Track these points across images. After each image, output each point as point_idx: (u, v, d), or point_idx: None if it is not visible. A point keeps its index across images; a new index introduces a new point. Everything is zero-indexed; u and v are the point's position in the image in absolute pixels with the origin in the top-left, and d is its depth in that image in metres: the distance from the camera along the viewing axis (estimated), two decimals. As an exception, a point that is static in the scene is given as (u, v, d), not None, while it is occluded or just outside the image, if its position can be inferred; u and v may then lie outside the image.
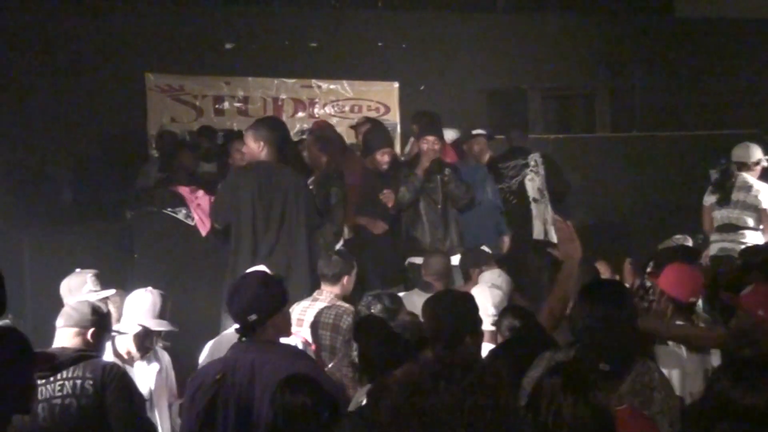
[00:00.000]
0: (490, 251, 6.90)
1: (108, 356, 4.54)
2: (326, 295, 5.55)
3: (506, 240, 7.73)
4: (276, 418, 3.30)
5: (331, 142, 7.35)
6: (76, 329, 3.97)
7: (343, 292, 5.63)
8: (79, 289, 5.01)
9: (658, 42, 11.36)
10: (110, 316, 4.21)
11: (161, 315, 4.67)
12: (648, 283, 5.58)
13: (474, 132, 8.12)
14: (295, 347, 4.22)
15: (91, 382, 3.79)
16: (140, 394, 4.08)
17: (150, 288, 4.79)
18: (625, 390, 3.61)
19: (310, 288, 5.83)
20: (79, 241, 7.27)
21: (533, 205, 8.11)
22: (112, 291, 5.08)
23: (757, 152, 7.58)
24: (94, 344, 4.01)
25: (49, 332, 4.94)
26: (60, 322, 4.02)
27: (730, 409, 2.81)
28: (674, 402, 3.77)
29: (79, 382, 3.79)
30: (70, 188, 8.18)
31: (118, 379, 3.86)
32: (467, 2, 11.05)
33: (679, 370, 4.40)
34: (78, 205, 8.20)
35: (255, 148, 6.29)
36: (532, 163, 8.16)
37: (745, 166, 7.53)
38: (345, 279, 5.63)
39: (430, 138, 7.36)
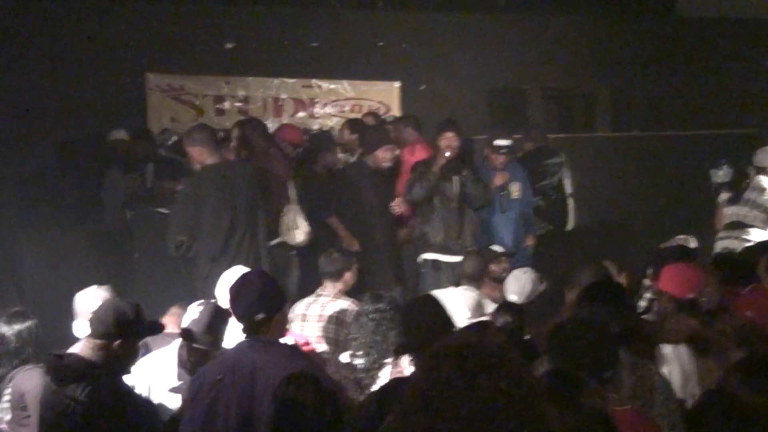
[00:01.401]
0: (502, 249, 6.91)
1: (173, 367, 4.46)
2: (330, 290, 5.65)
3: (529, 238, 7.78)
4: (279, 415, 3.31)
5: (255, 138, 7.30)
6: (99, 342, 3.89)
7: (345, 288, 5.75)
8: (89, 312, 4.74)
9: (658, 42, 11.35)
10: (139, 322, 4.05)
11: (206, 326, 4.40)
12: (647, 282, 5.60)
13: (496, 143, 7.70)
14: (295, 346, 4.24)
15: (81, 406, 3.71)
16: (142, 410, 3.96)
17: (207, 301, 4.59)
18: (626, 393, 3.62)
19: None
20: (79, 241, 7.29)
21: (570, 200, 8.47)
22: None
23: None
24: (121, 354, 3.93)
25: (49, 333, 4.96)
26: (87, 330, 3.96)
27: (738, 409, 2.82)
28: (675, 404, 3.78)
29: (72, 404, 3.72)
30: (70, 188, 8.18)
31: (116, 403, 3.79)
32: (468, 2, 11.04)
33: (681, 371, 4.40)
34: (78, 205, 8.20)
35: (195, 153, 6.31)
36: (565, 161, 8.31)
37: (764, 171, 7.53)
38: (347, 275, 5.74)
39: (449, 134, 7.32)
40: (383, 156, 7.23)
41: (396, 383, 3.68)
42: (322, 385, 3.36)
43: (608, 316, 3.72)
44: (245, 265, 5.58)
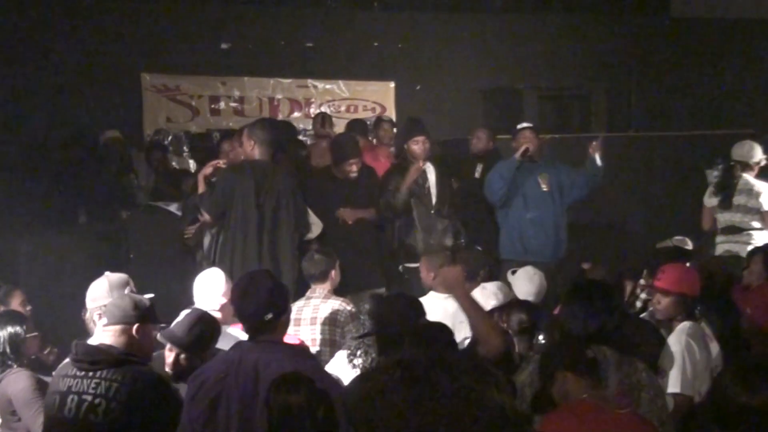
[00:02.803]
0: (481, 250, 6.90)
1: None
2: (319, 292, 5.64)
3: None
4: (270, 418, 3.30)
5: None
6: (120, 326, 3.90)
7: (333, 287, 5.74)
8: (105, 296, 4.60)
9: (654, 42, 11.37)
10: (154, 311, 4.09)
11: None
12: (643, 282, 5.59)
13: (519, 126, 7.56)
14: (298, 347, 4.23)
15: (127, 389, 3.73)
16: (181, 403, 3.91)
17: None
18: (611, 390, 3.63)
19: (295, 291, 5.86)
20: (75, 242, 7.27)
21: None
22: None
23: (758, 151, 7.55)
24: (139, 340, 3.95)
25: (46, 332, 4.95)
26: (104, 320, 3.96)
27: (730, 409, 2.82)
28: (663, 401, 3.79)
29: (115, 385, 3.74)
30: (66, 188, 8.17)
31: (159, 391, 3.82)
32: (463, 2, 11.05)
33: (692, 368, 4.41)
34: (74, 204, 8.19)
35: (247, 146, 6.35)
36: None
37: (748, 167, 7.51)
38: (332, 273, 5.73)
39: (420, 138, 7.30)
40: (350, 168, 7.18)
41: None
42: (315, 386, 3.34)
43: (587, 315, 3.76)
44: (263, 266, 5.58)
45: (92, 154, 8.54)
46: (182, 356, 4.13)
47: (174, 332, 4.15)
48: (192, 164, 9.48)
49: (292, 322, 5.44)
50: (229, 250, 6.14)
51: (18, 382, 4.50)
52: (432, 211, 7.25)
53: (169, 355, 4.17)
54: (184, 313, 4.30)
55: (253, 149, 6.29)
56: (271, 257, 6.13)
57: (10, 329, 4.70)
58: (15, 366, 4.62)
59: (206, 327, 4.21)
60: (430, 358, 1.93)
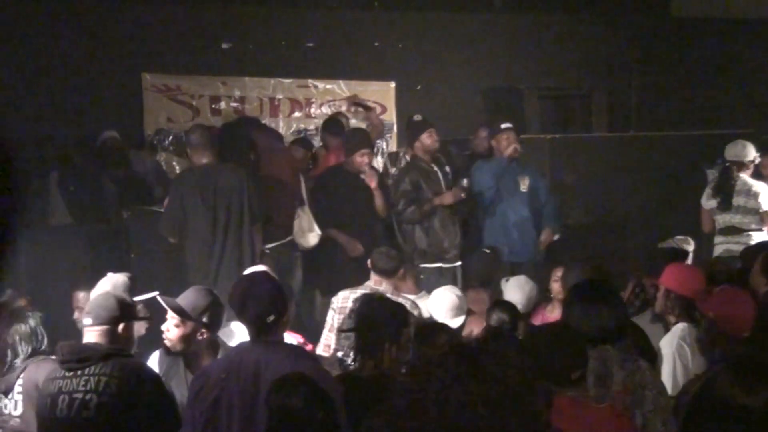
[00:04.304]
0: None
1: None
2: (386, 287, 5.64)
3: (547, 233, 7.59)
4: (271, 419, 3.30)
5: (260, 139, 7.32)
6: (106, 327, 3.94)
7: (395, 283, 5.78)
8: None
9: (654, 42, 11.36)
10: (135, 307, 4.17)
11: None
12: (644, 281, 5.60)
13: (503, 126, 7.71)
14: (299, 347, 4.24)
15: (116, 381, 3.77)
16: (171, 394, 4.02)
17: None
18: (617, 389, 3.63)
19: None
20: (76, 242, 7.28)
21: None
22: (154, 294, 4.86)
23: (752, 150, 7.58)
24: (126, 338, 4.01)
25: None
26: (88, 320, 3.99)
27: (727, 410, 2.81)
28: (666, 400, 3.79)
29: (104, 379, 3.77)
30: (67, 188, 8.17)
31: (148, 380, 3.87)
32: (464, 2, 11.04)
33: (683, 371, 4.41)
34: (75, 204, 8.19)
35: (190, 154, 6.41)
36: None
37: (743, 166, 7.52)
38: (401, 272, 5.75)
39: (432, 130, 7.39)
40: (360, 160, 7.21)
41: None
42: (316, 387, 3.34)
43: (597, 314, 3.76)
44: (228, 268, 5.61)
45: (92, 154, 8.54)
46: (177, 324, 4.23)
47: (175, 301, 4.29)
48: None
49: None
50: (190, 256, 6.22)
51: (45, 367, 4.58)
52: (447, 210, 7.31)
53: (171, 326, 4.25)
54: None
55: (194, 155, 6.42)
56: (234, 256, 6.16)
57: (35, 318, 4.79)
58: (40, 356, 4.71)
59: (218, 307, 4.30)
60: (480, 346, 2.01)
